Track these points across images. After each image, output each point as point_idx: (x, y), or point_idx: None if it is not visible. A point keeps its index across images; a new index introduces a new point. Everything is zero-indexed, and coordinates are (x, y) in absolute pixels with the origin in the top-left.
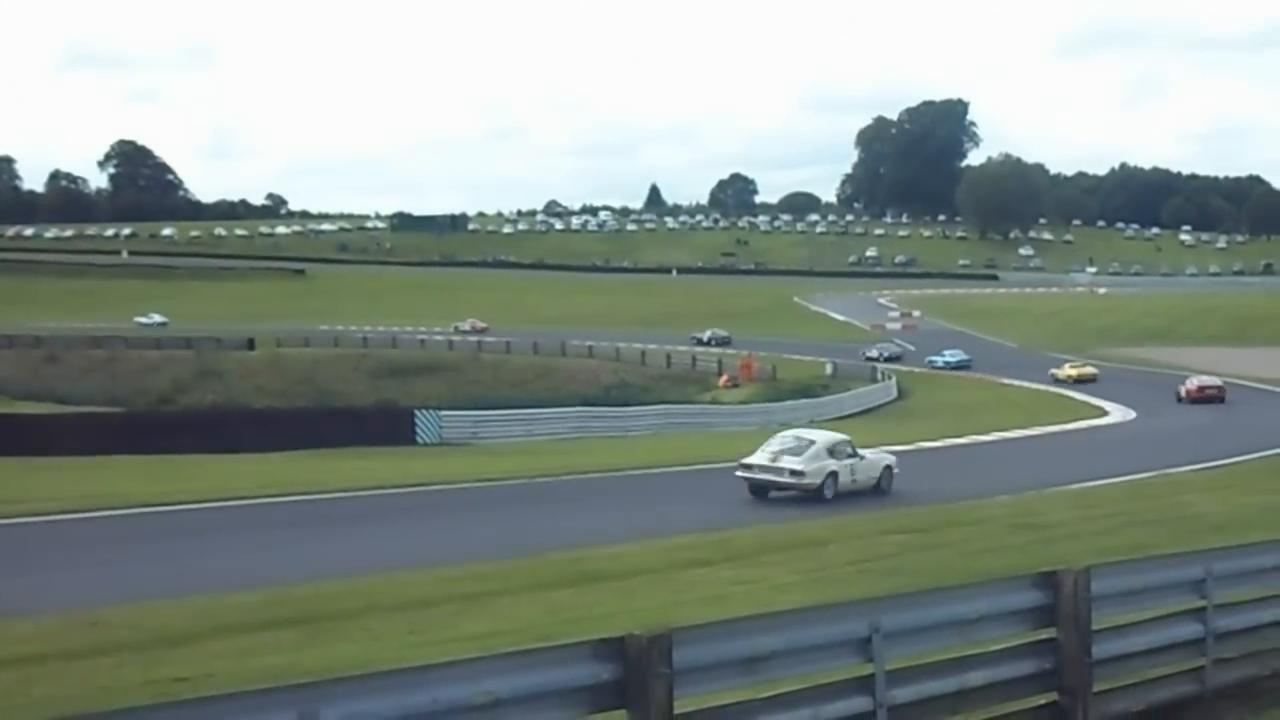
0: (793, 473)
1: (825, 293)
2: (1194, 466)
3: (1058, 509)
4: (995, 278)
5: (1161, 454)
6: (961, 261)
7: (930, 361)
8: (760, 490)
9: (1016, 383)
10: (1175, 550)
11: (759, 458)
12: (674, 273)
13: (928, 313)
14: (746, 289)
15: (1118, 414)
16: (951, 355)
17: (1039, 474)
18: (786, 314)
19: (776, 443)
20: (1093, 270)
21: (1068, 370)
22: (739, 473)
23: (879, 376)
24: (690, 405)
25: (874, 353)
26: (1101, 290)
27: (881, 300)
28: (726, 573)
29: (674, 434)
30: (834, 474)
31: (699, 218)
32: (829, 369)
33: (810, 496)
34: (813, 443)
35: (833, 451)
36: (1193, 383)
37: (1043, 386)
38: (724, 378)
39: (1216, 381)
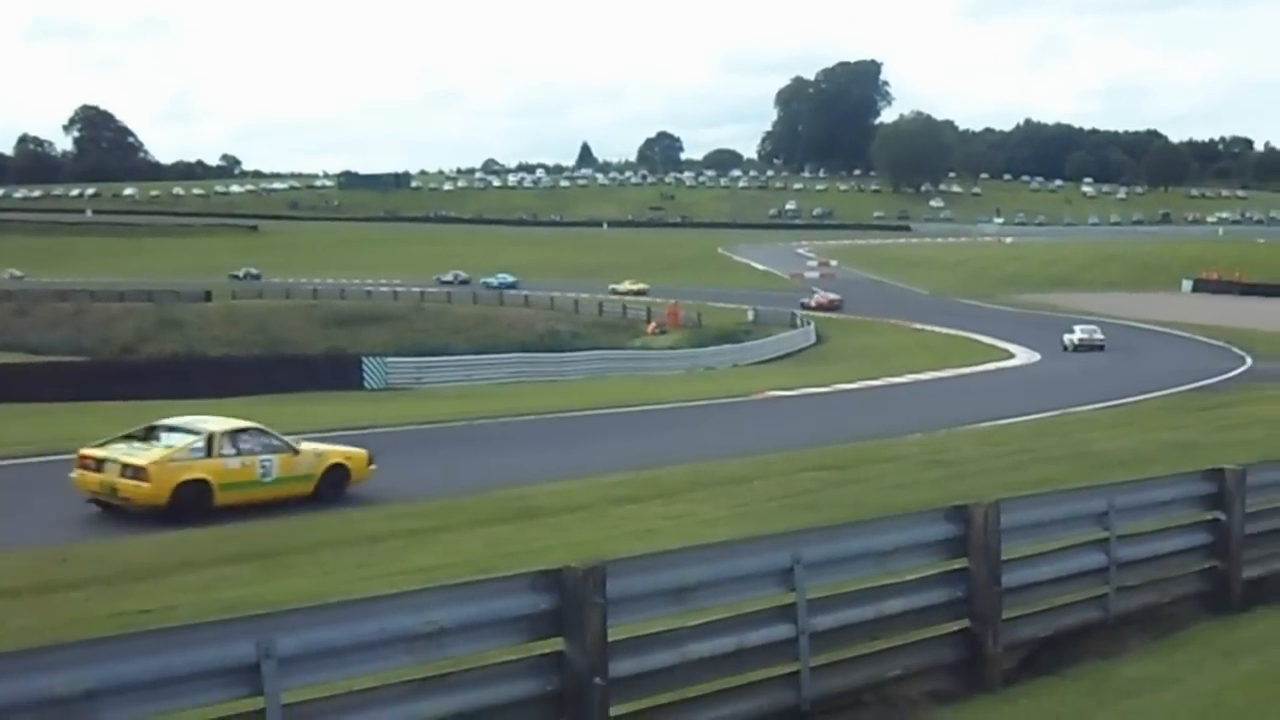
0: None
1: (747, 244)
2: (1096, 406)
3: (968, 446)
4: (908, 229)
5: (1065, 394)
6: (876, 214)
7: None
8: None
9: (928, 327)
10: (1079, 485)
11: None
12: (605, 226)
13: (844, 262)
14: (673, 241)
15: (1024, 356)
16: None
17: (950, 414)
18: (711, 264)
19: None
20: (1000, 221)
21: (626, 285)
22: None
23: (798, 322)
24: (622, 351)
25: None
26: (1008, 240)
27: (800, 250)
28: (656, 509)
29: (607, 378)
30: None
31: (628, 174)
32: (750, 315)
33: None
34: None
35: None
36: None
37: (954, 331)
38: (652, 324)
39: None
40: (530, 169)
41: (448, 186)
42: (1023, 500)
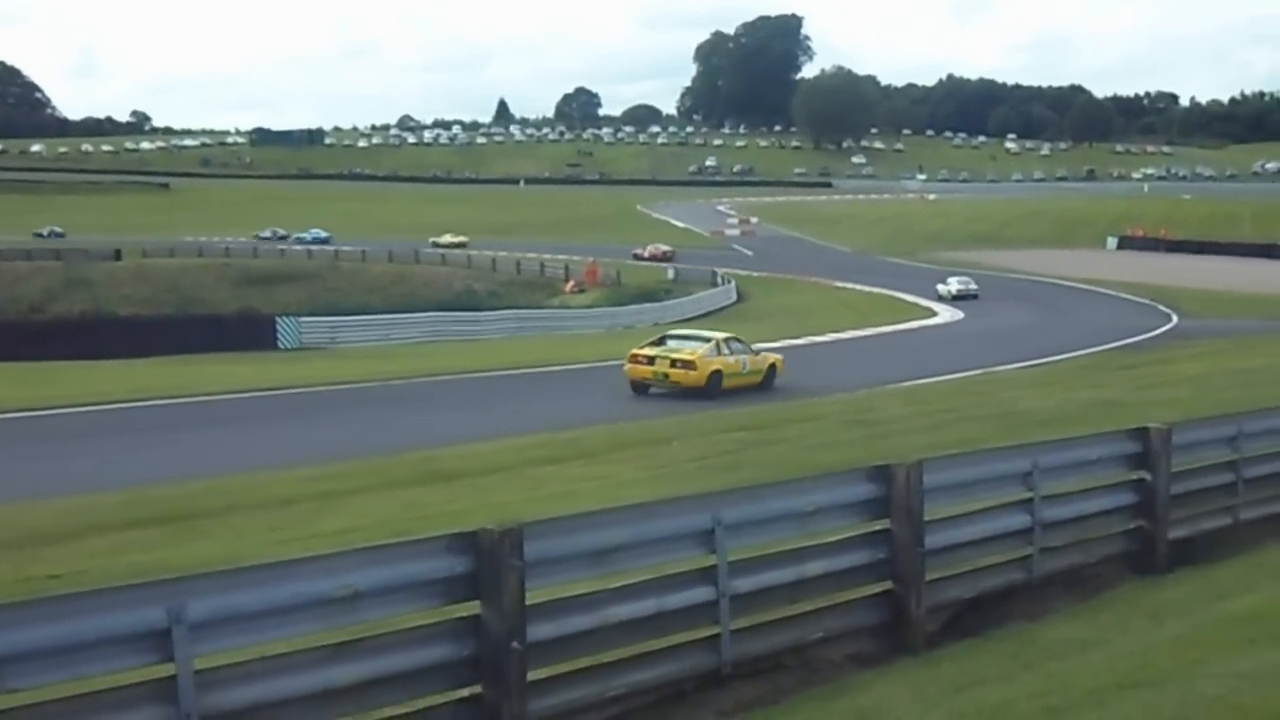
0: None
1: (667, 201)
2: (1019, 364)
3: (890, 406)
4: (829, 185)
5: (988, 352)
6: (797, 170)
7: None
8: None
9: (850, 285)
10: (1003, 444)
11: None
12: (522, 183)
13: (765, 219)
14: (591, 198)
15: (946, 314)
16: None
17: (872, 372)
18: (630, 222)
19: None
20: (923, 178)
21: (446, 238)
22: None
23: (719, 280)
24: (540, 310)
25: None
26: (931, 196)
27: (720, 207)
28: (575, 470)
29: (525, 337)
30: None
31: (545, 130)
32: (670, 274)
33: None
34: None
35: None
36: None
37: (877, 290)
38: (570, 283)
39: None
40: (447, 125)
41: (362, 143)
42: (945, 460)
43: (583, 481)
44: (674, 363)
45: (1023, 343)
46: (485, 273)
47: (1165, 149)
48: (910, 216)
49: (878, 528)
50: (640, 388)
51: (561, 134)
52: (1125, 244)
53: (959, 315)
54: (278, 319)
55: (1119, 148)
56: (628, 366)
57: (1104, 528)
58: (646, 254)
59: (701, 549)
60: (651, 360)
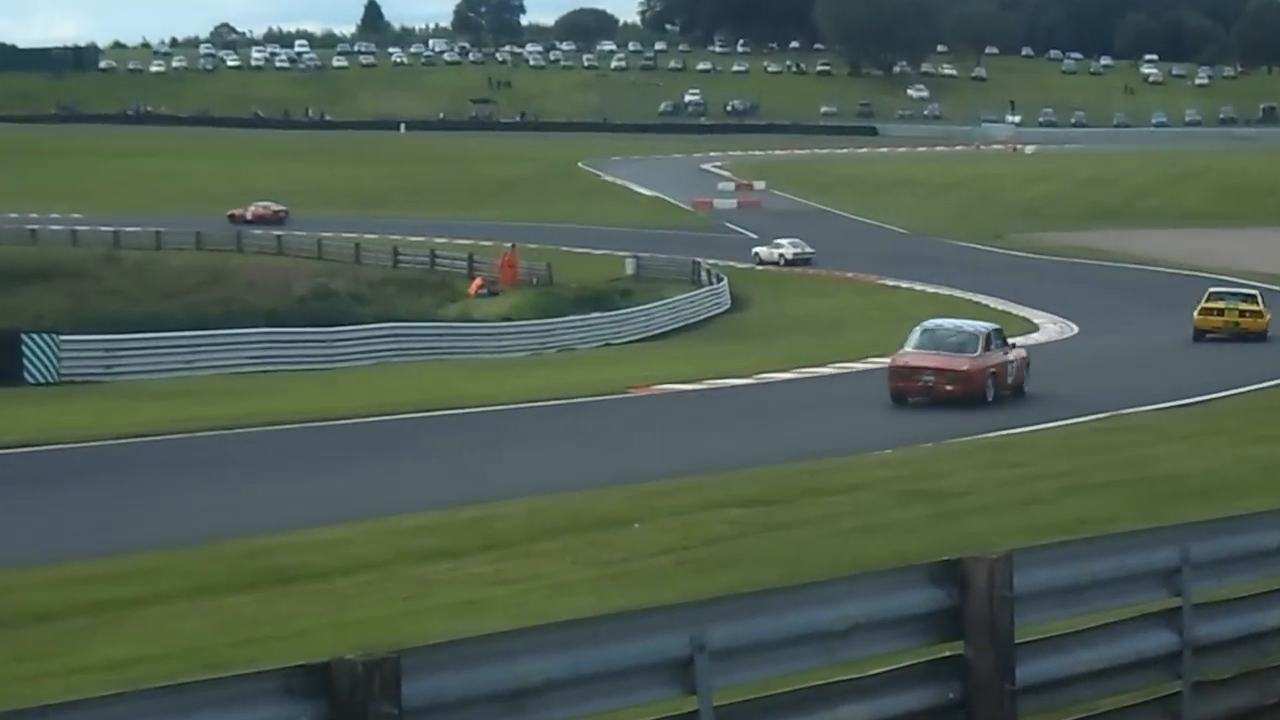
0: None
1: (625, 155)
2: (1165, 405)
3: (965, 469)
4: (874, 132)
5: (1117, 386)
6: (824, 109)
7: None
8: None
9: (904, 284)
10: (1136, 526)
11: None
12: (402, 128)
13: (776, 183)
14: (509, 151)
15: (1052, 328)
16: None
17: (938, 419)
18: (568, 187)
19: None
20: (1015, 120)
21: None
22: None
23: (706, 278)
24: (429, 323)
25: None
26: (1029, 149)
27: (709, 166)
28: (483, 567)
29: (406, 364)
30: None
31: (439, 48)
32: (630, 268)
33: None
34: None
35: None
36: (788, 249)
37: (944, 290)
38: (477, 282)
39: (809, 250)
40: (286, 40)
41: (156, 66)
42: (1048, 551)
43: (493, 585)
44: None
45: (1169, 372)
46: (345, 266)
47: None
48: (996, 180)
49: (945, 653)
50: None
51: (464, 53)
52: None
53: (1072, 330)
54: (24, 338)
55: None
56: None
57: None
58: (249, 215)
59: (675, 687)
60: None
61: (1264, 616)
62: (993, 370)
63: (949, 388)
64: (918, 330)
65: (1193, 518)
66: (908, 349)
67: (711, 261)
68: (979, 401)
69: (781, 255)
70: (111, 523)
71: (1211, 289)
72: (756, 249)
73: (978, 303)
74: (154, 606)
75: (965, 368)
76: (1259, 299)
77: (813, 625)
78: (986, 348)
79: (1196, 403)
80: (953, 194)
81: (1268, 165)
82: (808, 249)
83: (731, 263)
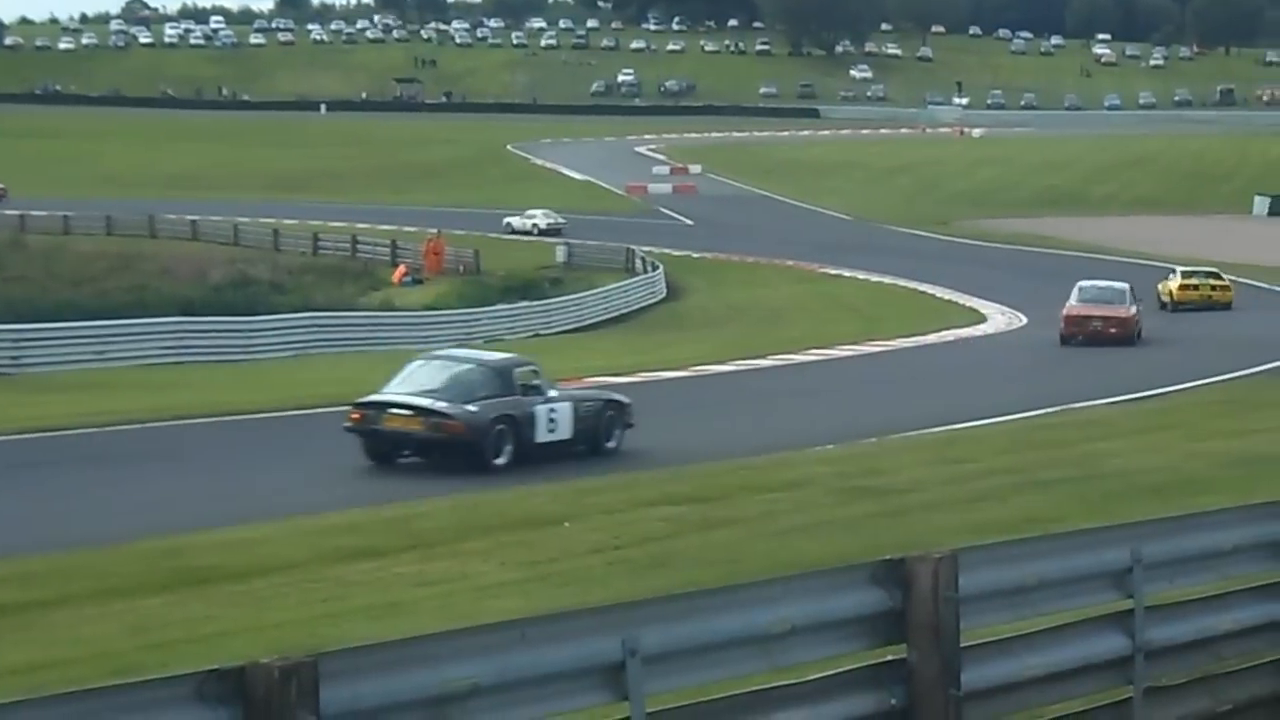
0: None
1: (556, 138)
2: (1116, 399)
3: (909, 465)
4: (815, 114)
5: (1066, 380)
6: (764, 90)
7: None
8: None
9: (846, 273)
10: (1087, 525)
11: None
12: (322, 109)
13: (713, 167)
14: (434, 133)
15: (1000, 319)
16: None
17: (881, 413)
18: (496, 171)
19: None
20: (963, 102)
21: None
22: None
23: (641, 266)
24: (351, 313)
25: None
26: (977, 132)
27: (643, 149)
28: (407, 568)
29: (326, 356)
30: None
31: (361, 25)
32: (560, 255)
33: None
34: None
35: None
36: (539, 219)
37: (889, 279)
38: (400, 269)
39: (560, 220)
40: (201, 16)
41: (65, 43)
42: (994, 550)
43: (418, 586)
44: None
45: (1121, 365)
46: (264, 253)
47: None
48: (943, 164)
49: (888, 657)
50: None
51: (387, 30)
52: None
53: (1020, 321)
54: None
55: (1271, 55)
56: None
57: (1245, 656)
58: None
59: (606, 692)
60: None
61: (1218, 620)
62: (1139, 318)
63: (1113, 330)
64: (1076, 289)
65: (1145, 516)
66: (1073, 303)
67: (646, 248)
68: (1133, 342)
69: (535, 225)
70: (17, 522)
71: (1182, 269)
72: (509, 219)
73: (923, 292)
74: (61, 609)
75: (1124, 315)
76: (1221, 275)
77: (749, 628)
78: (1134, 300)
79: (1149, 396)
80: (897, 179)
81: (1224, 150)
82: (560, 219)
83: (668, 249)
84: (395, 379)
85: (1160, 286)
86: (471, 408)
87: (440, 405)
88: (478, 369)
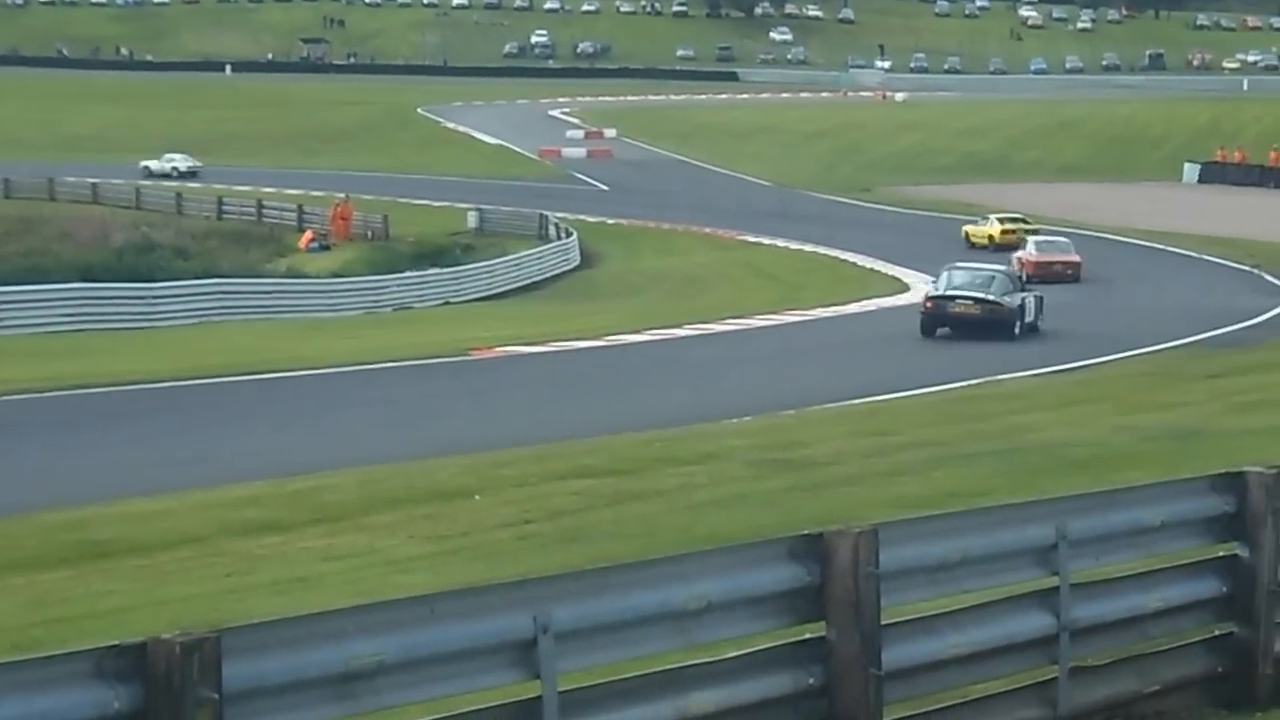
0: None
1: (467, 101)
2: (1042, 370)
3: (829, 437)
4: (734, 77)
5: (991, 350)
6: (681, 52)
7: None
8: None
9: (766, 240)
10: (1011, 500)
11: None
12: (228, 70)
13: (629, 131)
14: (342, 95)
15: (924, 288)
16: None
17: (800, 384)
18: (406, 134)
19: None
20: (885, 65)
21: None
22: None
23: (555, 232)
24: (256, 279)
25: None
26: (899, 96)
27: (557, 113)
28: (313, 541)
29: (230, 325)
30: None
31: None
32: (472, 221)
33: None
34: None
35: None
36: (165, 164)
37: (810, 247)
38: (307, 235)
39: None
40: None
41: None
42: (916, 525)
43: (323, 561)
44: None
45: (1046, 335)
46: (166, 217)
47: (1276, 22)
48: (864, 129)
49: (806, 635)
50: None
51: None
52: (1211, 175)
53: None
54: None
55: (1202, 19)
56: None
57: (1173, 635)
58: None
59: (518, 670)
60: None
61: (1146, 598)
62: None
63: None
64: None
65: (1070, 491)
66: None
67: (560, 214)
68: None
69: (175, 168)
70: None
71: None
72: (145, 163)
73: (845, 260)
74: None
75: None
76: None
77: (664, 604)
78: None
79: (1073, 369)
80: (818, 144)
81: (1153, 115)
82: (196, 163)
83: (583, 215)
84: (941, 280)
85: (971, 230)
86: (1009, 299)
87: (992, 297)
88: (1004, 275)
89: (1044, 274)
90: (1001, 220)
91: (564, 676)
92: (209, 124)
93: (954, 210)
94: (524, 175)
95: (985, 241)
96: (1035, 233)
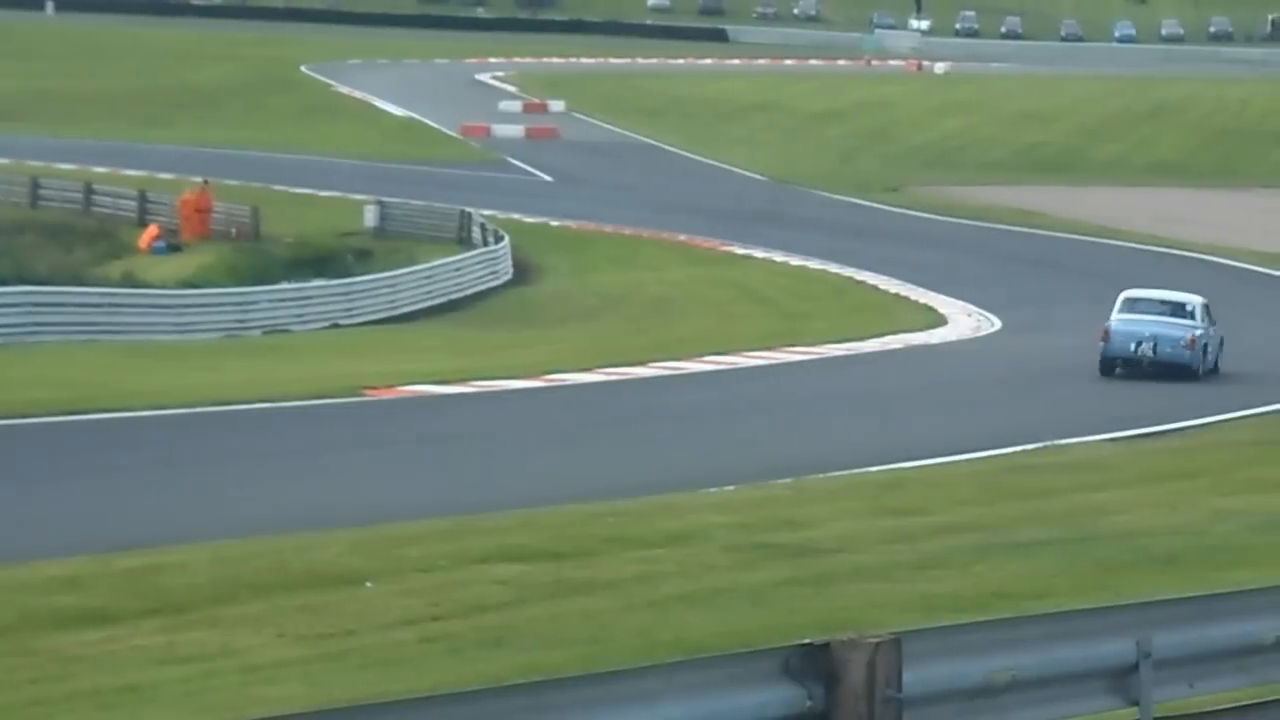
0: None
1: (369, 59)
2: (1117, 434)
3: (836, 515)
4: (723, 36)
5: (1049, 406)
6: (653, 2)
7: None
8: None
9: (759, 253)
10: (1077, 606)
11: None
12: (49, 7)
13: (580, 105)
14: (204, 46)
15: (965, 322)
16: None
17: (801, 445)
18: (285, 100)
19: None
20: (922, 25)
21: None
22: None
23: (480, 236)
24: (82, 289)
25: None
26: (939, 67)
27: (487, 77)
28: (149, 639)
29: (46, 348)
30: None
31: None
32: (371, 218)
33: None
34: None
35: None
36: None
37: (819, 264)
38: (151, 231)
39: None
40: None
41: None
42: (951, 635)
43: (160, 665)
44: None
45: (1121, 390)
46: None
47: None
48: (893, 109)
49: None
50: None
51: None
52: None
53: (992, 325)
54: None
55: None
56: None
57: None
58: None
59: None
60: None
61: None
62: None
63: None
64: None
65: (1155, 594)
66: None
67: (488, 212)
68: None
69: None
70: None
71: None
72: None
73: (862, 282)
74: None
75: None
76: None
77: None
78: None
79: (1162, 432)
80: (831, 128)
81: (1275, 101)
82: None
83: (518, 215)
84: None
85: None
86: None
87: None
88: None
89: None
90: None
91: None
92: (22, 80)
93: (1009, 219)
94: (441, 159)
95: None
96: None
